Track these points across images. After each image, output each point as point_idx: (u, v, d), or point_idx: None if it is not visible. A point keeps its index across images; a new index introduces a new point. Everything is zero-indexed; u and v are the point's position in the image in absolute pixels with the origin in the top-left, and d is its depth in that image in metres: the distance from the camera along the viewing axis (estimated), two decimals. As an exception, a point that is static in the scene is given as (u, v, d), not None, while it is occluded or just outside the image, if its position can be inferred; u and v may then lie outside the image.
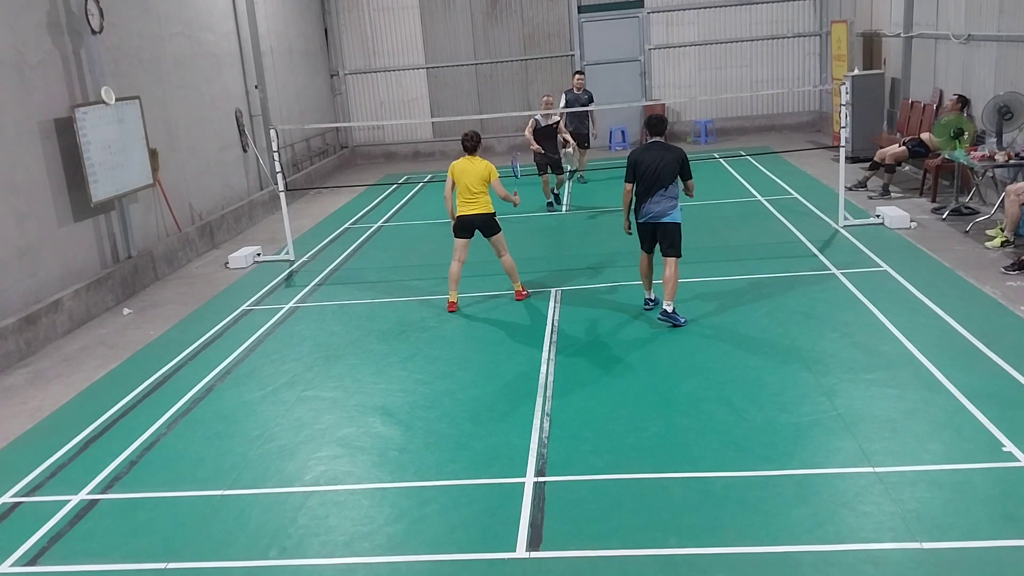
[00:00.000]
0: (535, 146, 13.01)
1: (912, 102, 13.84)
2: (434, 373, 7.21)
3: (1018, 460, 5.10)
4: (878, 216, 10.85)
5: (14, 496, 5.70)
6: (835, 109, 15.68)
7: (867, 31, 16.42)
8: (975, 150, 10.58)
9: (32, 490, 5.78)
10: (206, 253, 12.55)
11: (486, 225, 8.60)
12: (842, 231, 10.53)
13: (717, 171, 14.82)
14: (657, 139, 7.81)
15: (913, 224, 10.48)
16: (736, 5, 18.94)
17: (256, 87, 15.37)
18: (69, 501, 5.56)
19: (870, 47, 16.35)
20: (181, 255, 11.90)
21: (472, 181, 8.43)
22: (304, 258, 11.58)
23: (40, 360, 8.44)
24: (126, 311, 9.87)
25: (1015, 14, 10.63)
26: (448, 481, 5.42)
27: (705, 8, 19.05)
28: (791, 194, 12.85)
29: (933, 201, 11.57)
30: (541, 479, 5.33)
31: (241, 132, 14.68)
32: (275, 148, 11.48)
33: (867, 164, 13.10)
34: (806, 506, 4.80)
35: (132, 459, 6.10)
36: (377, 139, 20.99)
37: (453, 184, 8.55)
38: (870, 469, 5.12)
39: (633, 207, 7.93)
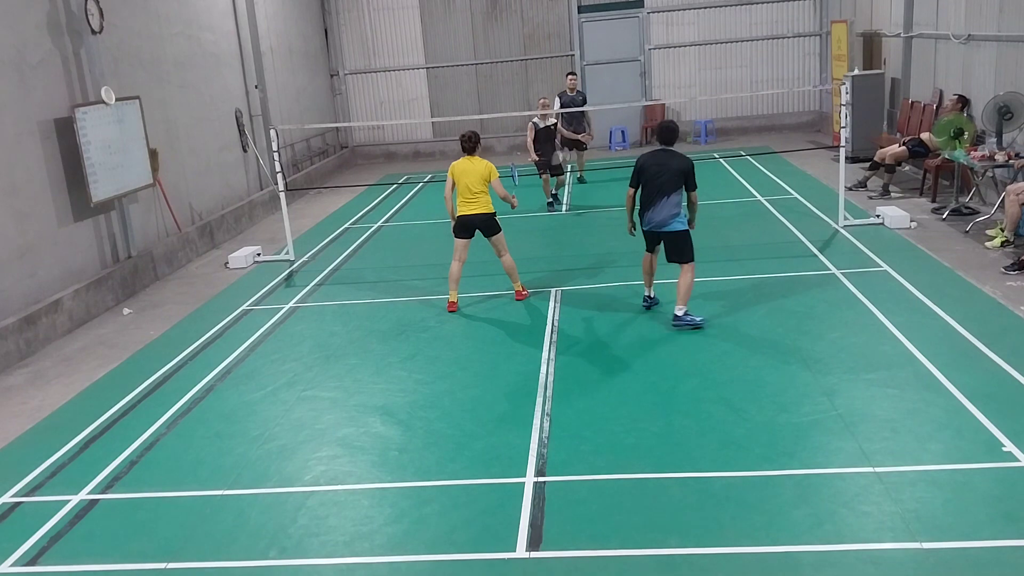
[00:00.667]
0: (534, 156, 13.26)
1: (912, 102, 13.84)
2: (434, 373, 7.21)
3: (1018, 460, 5.10)
4: (878, 216, 10.85)
5: (14, 496, 5.70)
6: (835, 109, 15.69)
7: (867, 31, 16.42)
8: (975, 150, 10.58)
9: (32, 490, 5.78)
10: (206, 253, 12.55)
11: (486, 225, 8.60)
12: (842, 231, 10.53)
13: (717, 171, 14.82)
14: (665, 147, 7.70)
15: (913, 224, 10.48)
16: (736, 5, 18.94)
17: (256, 87, 15.37)
18: (69, 501, 5.56)
19: (870, 47, 16.35)
20: (181, 255, 11.90)
21: (472, 181, 8.43)
22: (304, 258, 11.58)
23: (40, 360, 8.44)
24: (126, 311, 9.87)
25: (1015, 14, 10.63)
26: (448, 481, 5.42)
27: (705, 8, 19.05)
28: (791, 194, 12.85)
29: (933, 201, 11.57)
30: (541, 479, 5.33)
31: (241, 132, 14.68)
32: (275, 148, 11.47)
33: (867, 164, 13.10)
34: (806, 506, 4.80)
35: (132, 459, 6.10)
36: (377, 139, 21.00)
37: (453, 184, 8.55)
38: (870, 469, 5.12)
39: (638, 212, 7.90)
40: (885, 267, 8.97)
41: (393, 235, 12.81)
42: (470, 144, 8.51)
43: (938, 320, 7.41)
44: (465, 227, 8.61)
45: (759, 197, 12.85)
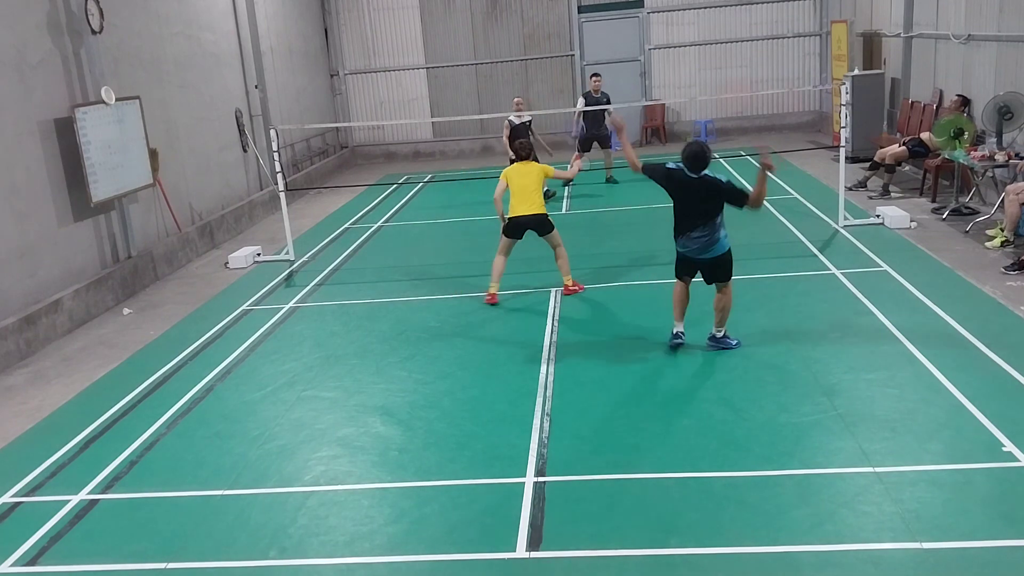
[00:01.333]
0: (511, 153, 13.55)
1: (912, 102, 13.84)
2: (434, 373, 7.21)
3: (1018, 460, 5.10)
4: (878, 216, 10.85)
5: (14, 496, 5.70)
6: (835, 109, 15.68)
7: (867, 31, 16.42)
8: (975, 150, 10.58)
9: (32, 490, 5.77)
10: (206, 253, 12.55)
11: (541, 224, 8.82)
12: (842, 231, 10.53)
13: (717, 171, 14.77)
14: (699, 174, 6.83)
15: (913, 224, 10.48)
16: (736, 5, 18.94)
17: (256, 87, 15.37)
18: (69, 501, 5.56)
19: (870, 47, 16.36)
20: (181, 255, 11.90)
21: (530, 183, 8.75)
22: (304, 258, 11.58)
23: (40, 360, 8.44)
24: (126, 311, 9.87)
25: (1015, 14, 10.63)
26: (448, 481, 5.42)
27: (705, 8, 19.05)
28: (791, 194, 12.84)
29: (933, 201, 11.57)
30: (541, 479, 5.33)
31: (241, 132, 14.68)
32: (275, 148, 11.47)
33: (867, 164, 13.10)
34: (806, 506, 4.80)
35: (132, 459, 6.10)
36: (377, 139, 20.99)
37: (506, 187, 8.82)
38: (870, 469, 5.12)
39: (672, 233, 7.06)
40: (885, 267, 8.97)
41: (393, 235, 12.81)
42: (525, 152, 9.01)
43: (938, 320, 7.41)
44: (518, 227, 8.82)
45: (759, 197, 12.83)
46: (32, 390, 7.66)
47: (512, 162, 13.88)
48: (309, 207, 15.45)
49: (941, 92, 12.86)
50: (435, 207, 14.58)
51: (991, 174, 11.02)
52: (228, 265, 11.52)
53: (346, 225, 13.59)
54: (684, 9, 19.11)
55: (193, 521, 5.21)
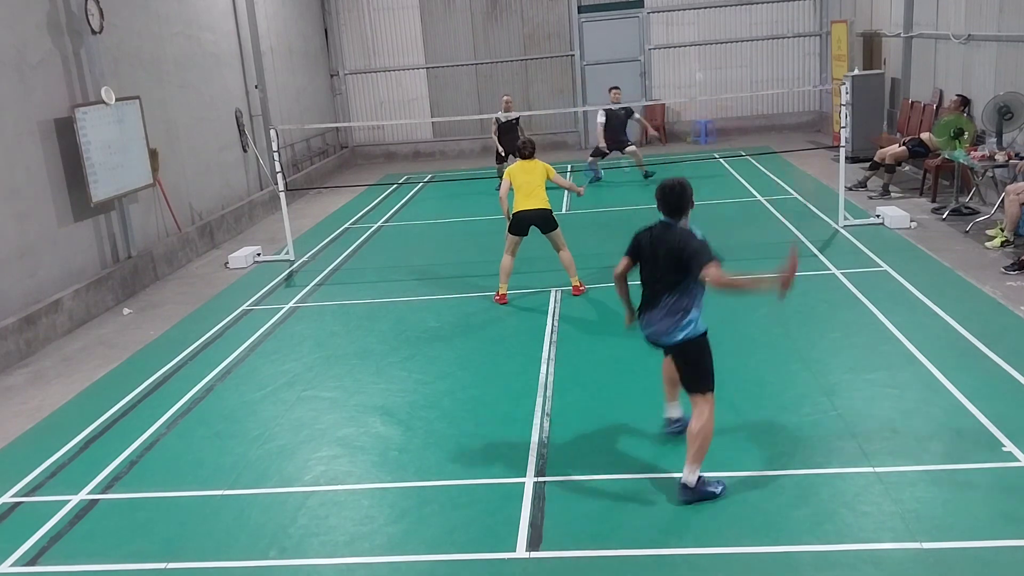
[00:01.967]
0: (500, 148, 14.71)
1: (912, 102, 13.84)
2: (434, 373, 7.21)
3: (1018, 460, 5.10)
4: (878, 216, 10.85)
5: (14, 496, 5.70)
6: (835, 109, 15.69)
7: (867, 31, 16.42)
8: (975, 150, 10.58)
9: (32, 490, 5.77)
10: (206, 253, 12.55)
11: (545, 221, 8.81)
12: (842, 231, 10.53)
13: (717, 171, 14.82)
14: (672, 220, 5.07)
15: (913, 224, 10.48)
16: (736, 5, 18.94)
17: (256, 87, 15.37)
18: (69, 501, 5.56)
19: (870, 47, 16.35)
20: (181, 255, 11.90)
21: (534, 179, 8.76)
22: (304, 258, 11.58)
23: (40, 360, 8.44)
24: (126, 311, 9.87)
25: (1015, 14, 10.63)
26: (448, 481, 5.42)
27: (705, 8, 19.04)
28: (791, 194, 12.85)
29: (933, 201, 11.57)
30: (541, 479, 5.33)
31: (241, 132, 14.68)
32: (275, 148, 11.47)
33: (867, 164, 13.10)
34: (806, 506, 4.80)
35: (132, 459, 6.10)
36: (377, 139, 20.99)
37: (511, 185, 8.83)
38: (870, 469, 5.12)
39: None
40: (885, 267, 8.97)
41: (393, 235, 12.81)
42: (529, 150, 8.97)
43: (938, 320, 7.41)
44: (522, 224, 8.81)
45: (759, 197, 12.85)
46: (32, 390, 7.66)
47: (500, 157, 14.62)
48: (309, 207, 15.46)
49: (941, 92, 12.86)
50: (435, 207, 14.58)
51: (991, 174, 11.02)
52: (228, 265, 11.52)
53: (346, 225, 13.59)
54: (684, 9, 19.10)
55: (193, 521, 5.21)
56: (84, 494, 5.64)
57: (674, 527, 4.70)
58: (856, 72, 15.06)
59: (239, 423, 6.56)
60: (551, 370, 7.02)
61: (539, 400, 6.46)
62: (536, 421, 6.11)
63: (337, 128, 19.94)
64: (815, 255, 9.66)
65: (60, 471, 6.02)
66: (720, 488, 4.99)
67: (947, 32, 12.58)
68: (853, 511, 4.72)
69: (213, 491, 5.54)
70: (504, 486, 5.30)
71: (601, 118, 14.95)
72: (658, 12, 19.20)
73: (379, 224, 13.52)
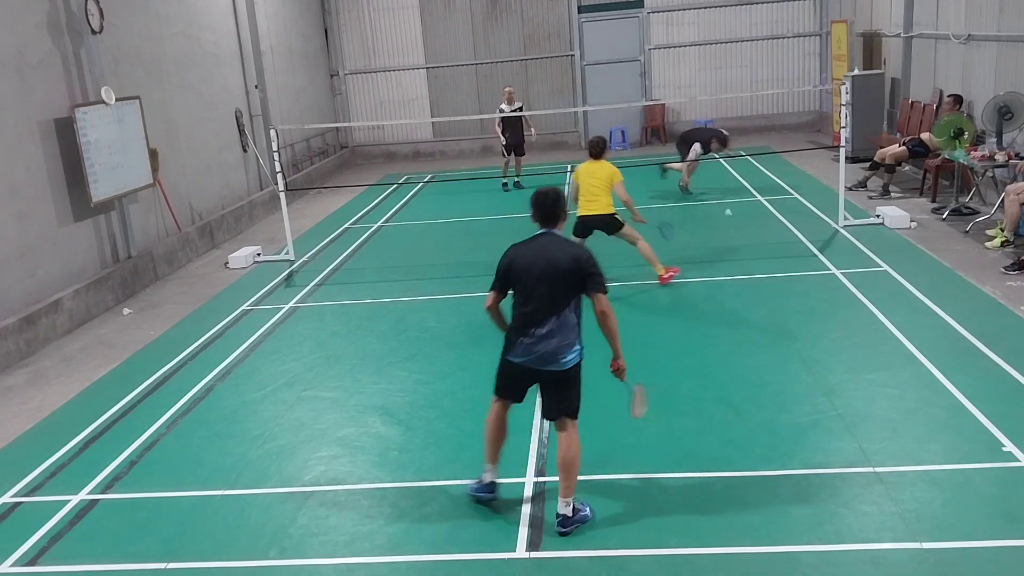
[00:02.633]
0: (503, 139, 14.88)
1: (912, 102, 13.84)
2: (434, 373, 7.21)
3: (1018, 460, 5.10)
4: (878, 216, 10.85)
5: (14, 496, 5.70)
6: (835, 109, 15.68)
7: (867, 31, 16.42)
8: (975, 150, 10.58)
9: (32, 490, 5.77)
10: (206, 253, 12.55)
11: (607, 224, 8.75)
12: (842, 231, 10.53)
13: (717, 171, 14.81)
14: (548, 230, 4.85)
15: (913, 224, 10.48)
16: (736, 5, 18.94)
17: (256, 87, 15.37)
18: (69, 501, 5.56)
19: (870, 47, 16.35)
20: (181, 255, 11.90)
21: (596, 183, 8.64)
22: (304, 258, 11.58)
23: (40, 360, 8.44)
24: (126, 311, 9.87)
25: (1015, 14, 10.63)
26: (448, 481, 5.42)
27: (705, 8, 19.05)
28: (791, 194, 12.85)
29: (933, 201, 11.57)
30: (541, 479, 5.33)
31: (241, 132, 14.68)
32: (275, 148, 11.47)
33: (867, 164, 13.10)
34: (806, 506, 4.80)
35: (132, 459, 6.10)
36: (377, 139, 20.99)
37: (577, 187, 8.72)
38: (870, 469, 5.12)
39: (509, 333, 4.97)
40: (885, 267, 8.97)
41: (393, 235, 12.81)
42: (597, 149, 8.77)
43: (938, 320, 7.41)
44: (585, 227, 8.74)
45: (759, 197, 12.85)
46: (32, 390, 7.66)
47: (505, 150, 14.80)
48: (309, 207, 15.45)
49: (941, 92, 12.86)
50: (435, 207, 14.58)
51: (991, 174, 11.02)
52: (228, 265, 11.52)
53: (346, 225, 13.59)
54: (684, 9, 19.11)
55: (193, 521, 5.21)
56: (84, 494, 5.64)
57: (674, 527, 4.70)
58: (856, 72, 15.07)
59: (239, 423, 6.56)
60: (551, 370, 7.00)
61: (539, 400, 6.43)
62: (536, 421, 6.10)
63: (337, 128, 19.94)
64: (815, 255, 9.66)
65: (60, 471, 6.02)
66: (588, 511, 4.79)
67: (947, 32, 12.58)
68: (853, 511, 4.72)
69: (213, 491, 5.54)
70: (504, 486, 5.29)
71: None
72: (658, 12, 19.20)
73: (379, 224, 13.52)
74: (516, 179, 15.30)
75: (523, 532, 4.77)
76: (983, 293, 8.01)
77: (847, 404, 5.98)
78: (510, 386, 5.04)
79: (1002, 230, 9.34)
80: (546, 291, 4.72)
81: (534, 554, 4.59)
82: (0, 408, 7.32)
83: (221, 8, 14.35)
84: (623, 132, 19.42)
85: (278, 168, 11.57)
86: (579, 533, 4.73)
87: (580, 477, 4.99)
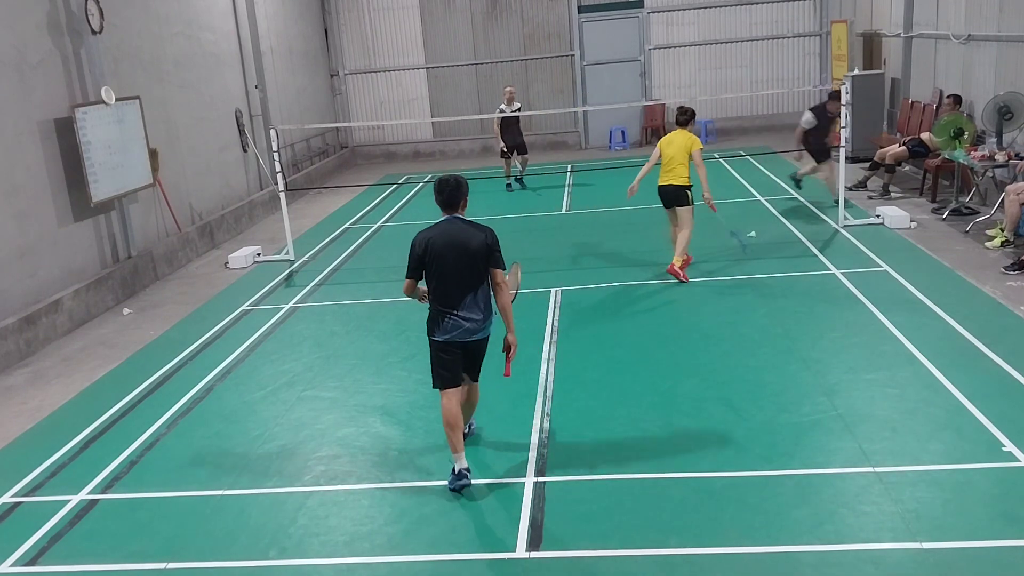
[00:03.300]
0: (502, 143, 14.84)
1: (912, 102, 13.85)
2: (434, 373, 7.20)
3: (1018, 460, 5.10)
4: (878, 216, 10.85)
5: (14, 496, 5.70)
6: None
7: (867, 31, 16.43)
8: (975, 150, 10.58)
9: (32, 490, 5.77)
10: (206, 253, 12.55)
11: (676, 196, 8.85)
12: (842, 231, 10.53)
13: (717, 171, 14.80)
14: (454, 216, 5.40)
15: (913, 224, 10.48)
16: (736, 5, 18.94)
17: (256, 87, 15.37)
18: (69, 501, 5.56)
19: (870, 47, 16.36)
20: (181, 255, 11.90)
21: (676, 151, 8.76)
22: (304, 258, 11.58)
23: (40, 360, 8.44)
24: (126, 311, 9.87)
25: (1015, 14, 10.63)
26: (448, 481, 5.41)
27: (705, 8, 19.04)
28: (791, 194, 12.85)
29: (933, 201, 11.57)
30: (541, 479, 5.33)
31: (241, 132, 14.68)
32: (275, 148, 11.47)
33: (867, 164, 13.10)
34: (806, 506, 4.80)
35: (132, 459, 6.10)
36: (377, 139, 20.99)
37: (659, 156, 8.86)
38: (870, 469, 5.12)
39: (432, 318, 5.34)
40: (885, 267, 8.97)
41: (393, 235, 12.80)
42: (685, 117, 8.88)
43: (938, 320, 7.41)
44: (664, 197, 8.95)
45: (759, 197, 12.86)
46: (32, 390, 7.66)
47: (504, 153, 14.78)
48: (309, 207, 15.45)
49: (941, 92, 12.86)
50: (435, 207, 14.54)
51: (991, 174, 11.02)
52: (228, 265, 11.52)
53: (346, 225, 13.59)
54: (684, 9, 19.10)
55: (193, 521, 5.21)
56: (84, 494, 5.64)
57: (674, 527, 4.70)
58: (856, 72, 15.06)
59: (239, 423, 6.56)
60: (551, 370, 7.01)
61: (539, 400, 6.46)
62: (536, 421, 6.11)
63: (337, 128, 19.94)
64: (815, 255, 9.66)
65: (60, 471, 6.02)
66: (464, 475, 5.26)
67: (947, 32, 12.58)
68: (853, 511, 4.72)
69: (213, 491, 5.54)
70: (504, 486, 5.30)
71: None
72: (658, 12, 19.20)
73: (379, 224, 13.52)
74: (519, 176, 15.31)
75: (523, 532, 4.77)
76: (983, 293, 8.01)
77: (847, 404, 5.98)
78: (447, 370, 5.40)
79: (1002, 230, 9.34)
80: (464, 270, 5.22)
81: (534, 554, 4.59)
82: (0, 408, 7.32)
83: (221, 8, 14.35)
84: (623, 132, 19.42)
85: (278, 168, 11.57)
86: (579, 533, 4.72)
87: (580, 477, 5.00)
